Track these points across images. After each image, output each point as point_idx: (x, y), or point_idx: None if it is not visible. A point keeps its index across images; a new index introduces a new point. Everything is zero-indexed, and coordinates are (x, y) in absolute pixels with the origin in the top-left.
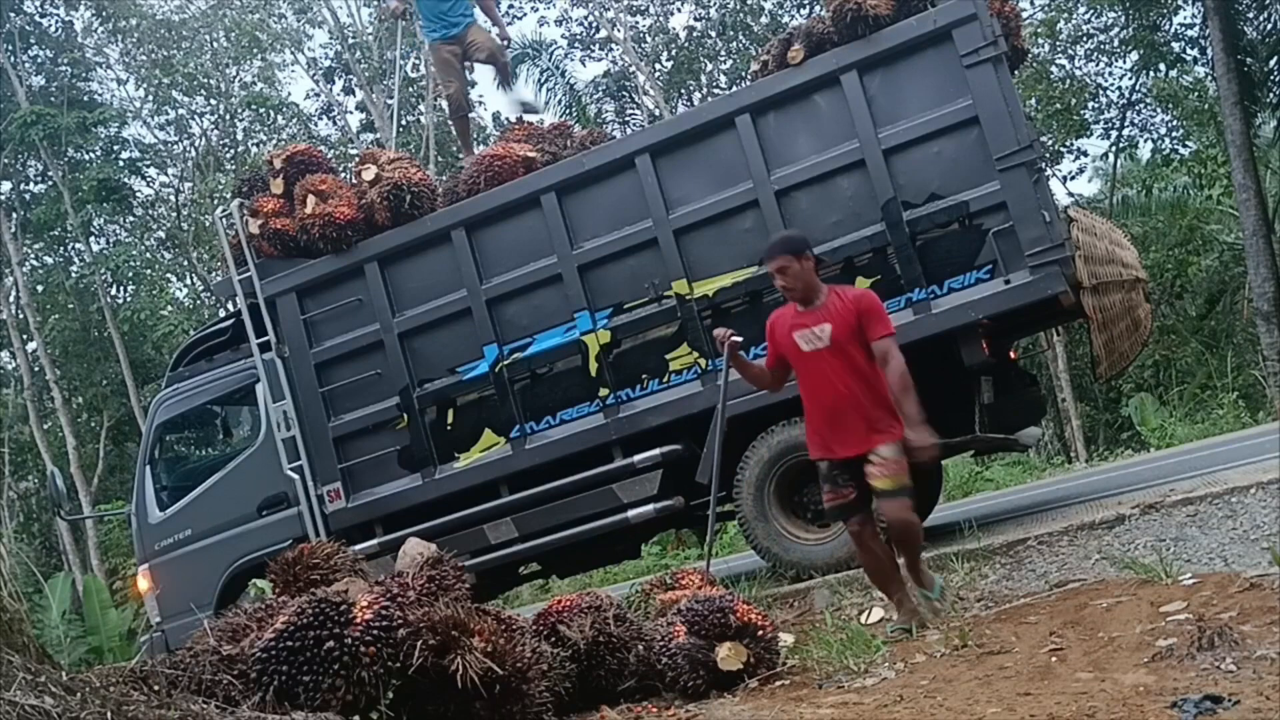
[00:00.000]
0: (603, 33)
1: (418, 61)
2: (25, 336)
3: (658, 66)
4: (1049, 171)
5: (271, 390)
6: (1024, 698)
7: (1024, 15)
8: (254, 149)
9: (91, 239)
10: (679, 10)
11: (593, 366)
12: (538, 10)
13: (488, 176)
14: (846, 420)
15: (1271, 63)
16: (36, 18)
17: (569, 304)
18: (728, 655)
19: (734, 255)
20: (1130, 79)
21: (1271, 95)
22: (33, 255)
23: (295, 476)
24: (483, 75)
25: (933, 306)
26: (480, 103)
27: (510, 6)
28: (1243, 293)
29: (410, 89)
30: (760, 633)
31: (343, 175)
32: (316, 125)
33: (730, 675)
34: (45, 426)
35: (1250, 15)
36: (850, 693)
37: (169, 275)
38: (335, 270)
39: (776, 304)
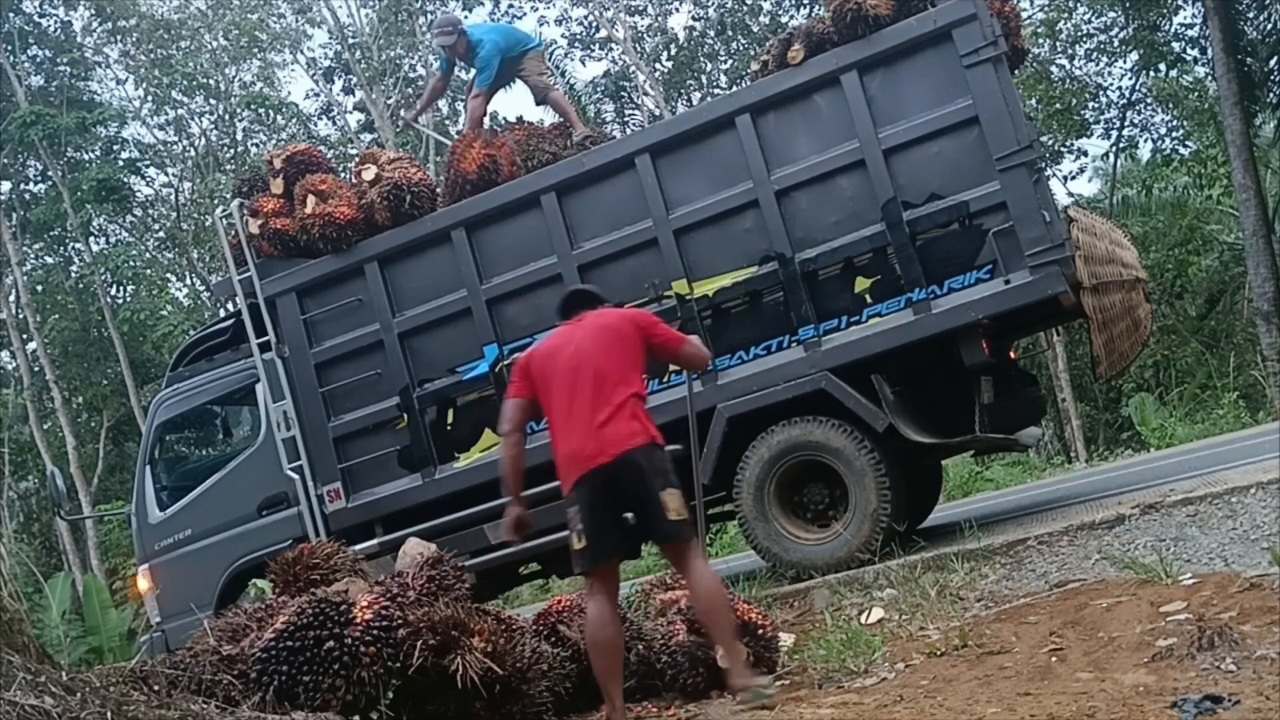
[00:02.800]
0: (603, 33)
1: (413, 62)
2: (25, 336)
3: (657, 66)
4: (1049, 171)
5: (271, 390)
6: (1024, 698)
7: (1024, 15)
8: (254, 149)
9: (91, 239)
10: (678, 10)
11: None
12: (538, 10)
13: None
14: None
15: (1271, 63)
16: (35, 17)
17: None
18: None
19: (734, 255)
20: (1130, 79)
21: (1271, 95)
22: (33, 255)
23: (295, 476)
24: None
25: (933, 306)
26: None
27: (510, 6)
28: (1243, 293)
29: (410, 90)
30: (760, 631)
31: (343, 175)
32: (316, 125)
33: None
34: (45, 426)
35: (1250, 15)
36: (850, 693)
37: (169, 275)
38: (335, 270)
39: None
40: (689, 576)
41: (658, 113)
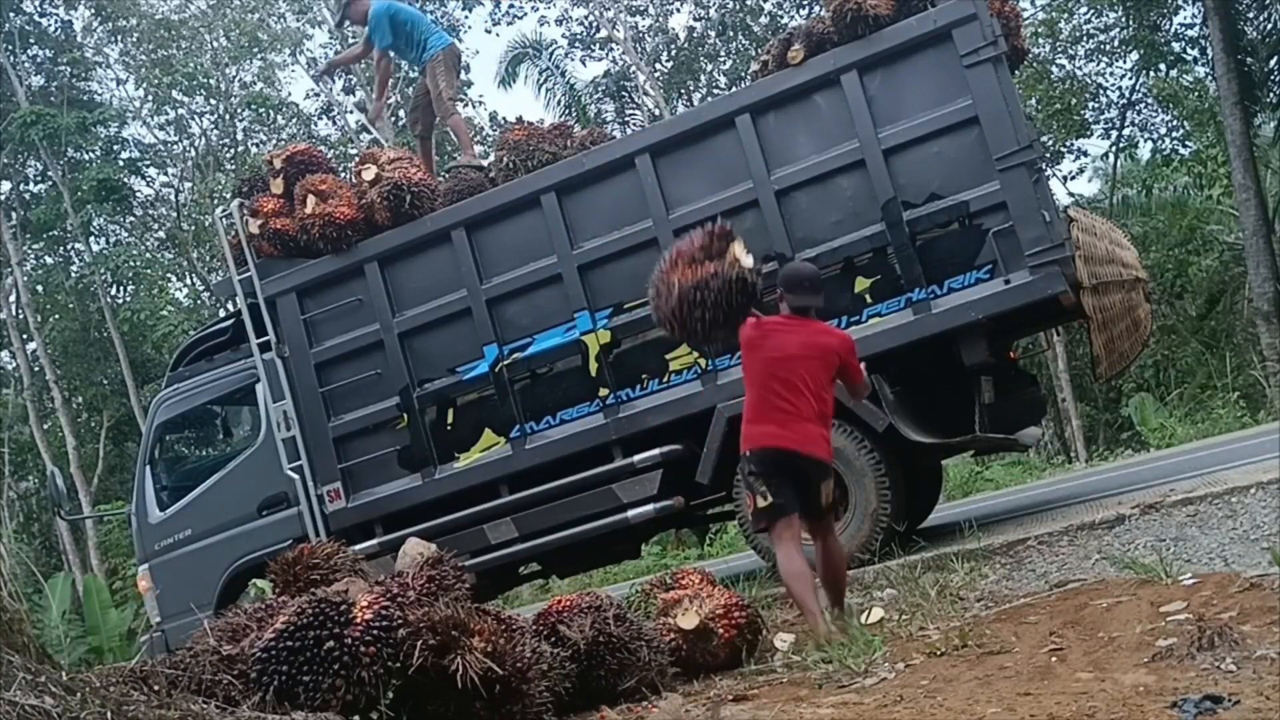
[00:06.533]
0: (603, 33)
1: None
2: (25, 336)
3: (658, 66)
4: (1049, 171)
5: (271, 390)
6: (1024, 698)
7: (1024, 15)
8: (254, 149)
9: (91, 239)
10: (679, 10)
11: (593, 366)
12: (538, 10)
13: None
14: None
15: (1271, 63)
16: (36, 17)
17: (569, 304)
18: (685, 612)
19: None
20: (1130, 79)
21: (1271, 95)
22: (33, 255)
23: (295, 476)
24: (483, 77)
25: (933, 306)
26: (480, 102)
27: (510, 6)
28: (1243, 293)
29: (410, 90)
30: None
31: (343, 175)
32: (316, 125)
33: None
34: (45, 426)
35: (1250, 15)
36: (850, 693)
37: (169, 275)
38: (335, 270)
39: (776, 304)
40: (823, 546)
41: (658, 113)
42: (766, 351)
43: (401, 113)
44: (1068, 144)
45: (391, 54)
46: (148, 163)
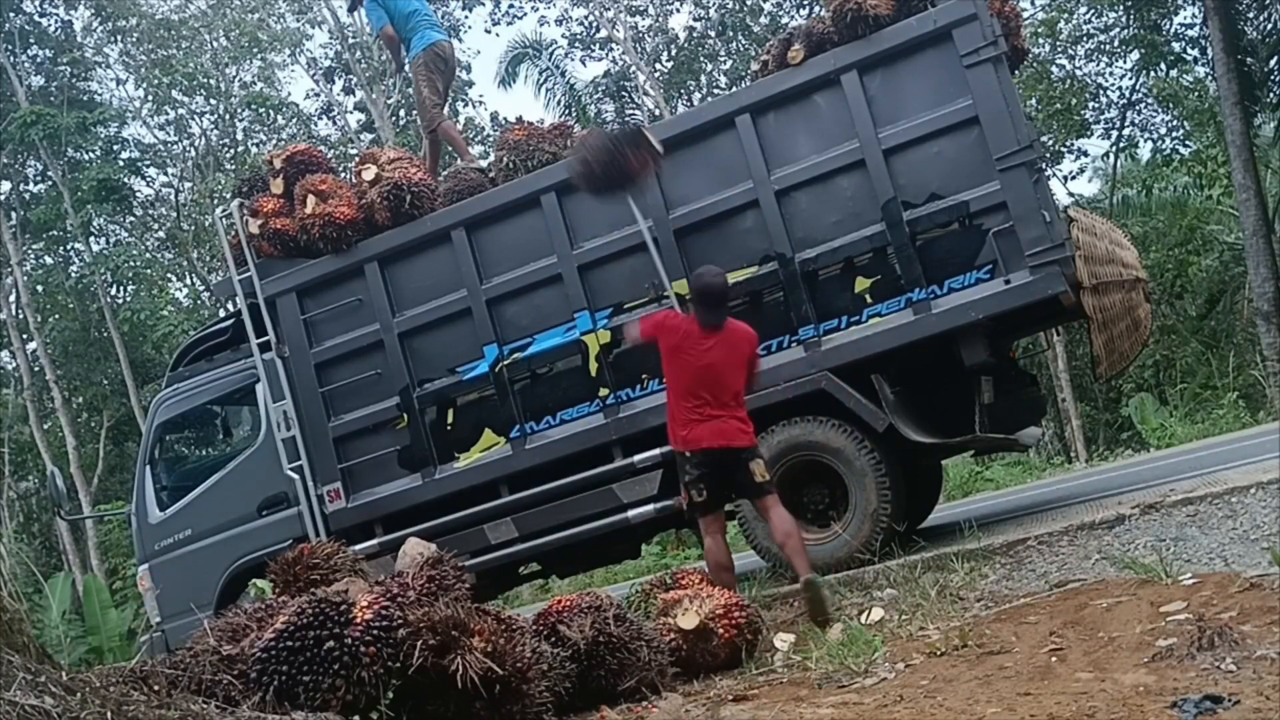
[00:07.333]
0: (603, 33)
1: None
2: (25, 336)
3: (658, 67)
4: (1049, 171)
5: (271, 390)
6: (1024, 698)
7: (1024, 15)
8: (254, 149)
9: (91, 239)
10: (679, 11)
11: (593, 366)
12: (538, 10)
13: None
14: None
15: (1271, 63)
16: (36, 17)
17: (569, 304)
18: (685, 612)
19: (734, 255)
20: (1130, 79)
21: (1271, 95)
22: (33, 255)
23: (295, 476)
24: (483, 77)
25: (933, 306)
26: (480, 102)
27: (510, 6)
28: (1243, 293)
29: (410, 90)
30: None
31: (343, 175)
32: (316, 125)
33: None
34: (45, 426)
35: (1250, 15)
36: (850, 693)
37: (169, 275)
38: (335, 270)
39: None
40: (770, 518)
41: (658, 113)
42: (692, 360)
43: (402, 113)
44: (1068, 144)
45: (391, 29)
46: (148, 163)
